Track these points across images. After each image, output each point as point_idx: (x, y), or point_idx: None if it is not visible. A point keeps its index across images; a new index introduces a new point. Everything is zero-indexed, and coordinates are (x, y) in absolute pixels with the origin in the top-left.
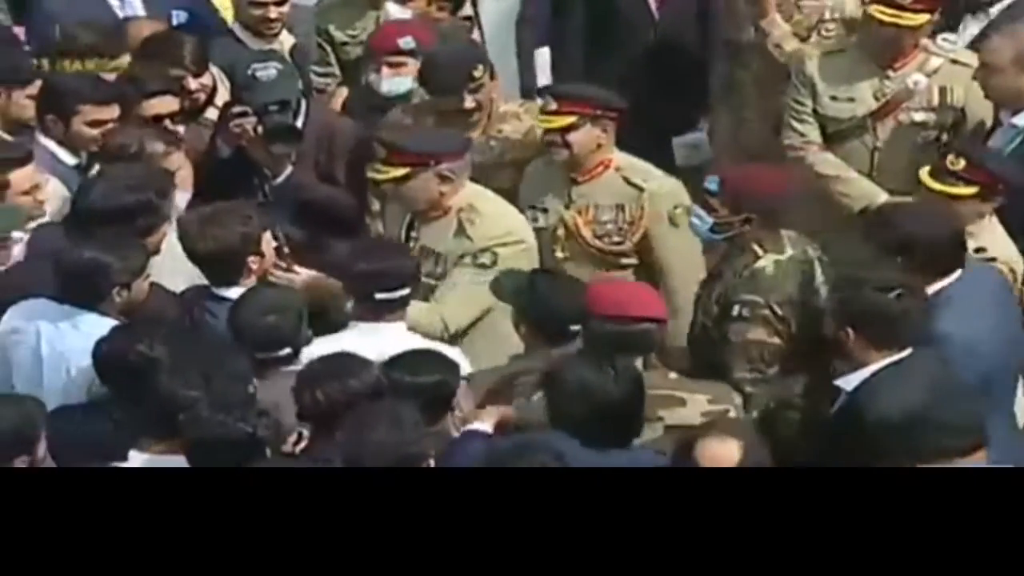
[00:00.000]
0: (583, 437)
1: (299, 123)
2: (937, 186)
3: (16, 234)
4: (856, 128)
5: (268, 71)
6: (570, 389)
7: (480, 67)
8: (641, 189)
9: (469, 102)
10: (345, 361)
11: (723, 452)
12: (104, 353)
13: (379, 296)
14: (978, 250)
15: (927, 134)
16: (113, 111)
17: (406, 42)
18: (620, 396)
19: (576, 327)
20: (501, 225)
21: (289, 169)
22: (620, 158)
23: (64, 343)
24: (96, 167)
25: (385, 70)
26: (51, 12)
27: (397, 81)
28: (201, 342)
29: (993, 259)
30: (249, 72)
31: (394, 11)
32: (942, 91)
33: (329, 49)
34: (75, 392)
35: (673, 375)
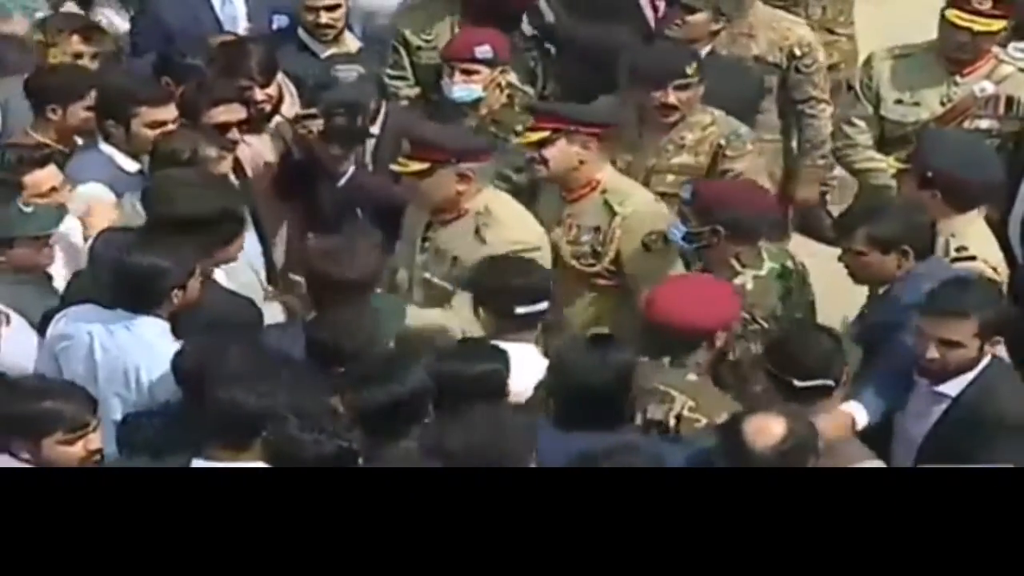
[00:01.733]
0: (565, 419)
1: (375, 128)
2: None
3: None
4: (919, 133)
5: (350, 74)
6: (558, 370)
7: (694, 65)
8: (615, 213)
9: (671, 98)
10: (389, 365)
11: (770, 425)
12: (185, 369)
13: (520, 311)
14: (959, 248)
15: (991, 142)
16: (171, 112)
17: (483, 51)
18: (601, 382)
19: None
20: (516, 230)
21: (351, 170)
22: (609, 179)
23: (118, 346)
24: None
25: (458, 76)
26: (158, 16)
27: (468, 89)
28: (288, 361)
29: (973, 257)
30: (332, 73)
31: None
32: (1009, 100)
33: (404, 53)
34: (135, 396)
35: (692, 376)
